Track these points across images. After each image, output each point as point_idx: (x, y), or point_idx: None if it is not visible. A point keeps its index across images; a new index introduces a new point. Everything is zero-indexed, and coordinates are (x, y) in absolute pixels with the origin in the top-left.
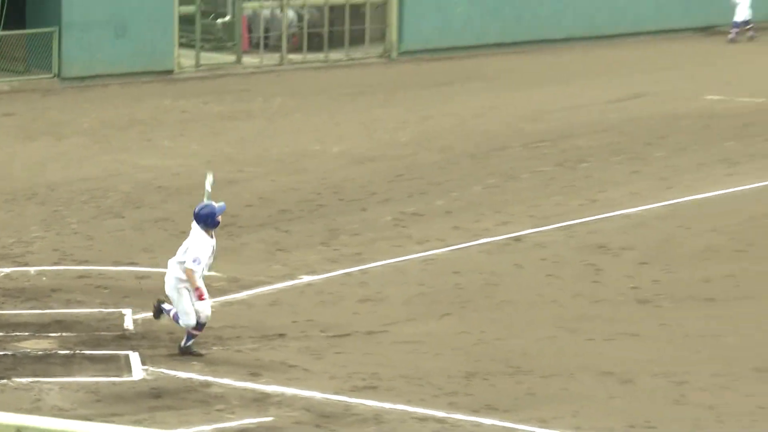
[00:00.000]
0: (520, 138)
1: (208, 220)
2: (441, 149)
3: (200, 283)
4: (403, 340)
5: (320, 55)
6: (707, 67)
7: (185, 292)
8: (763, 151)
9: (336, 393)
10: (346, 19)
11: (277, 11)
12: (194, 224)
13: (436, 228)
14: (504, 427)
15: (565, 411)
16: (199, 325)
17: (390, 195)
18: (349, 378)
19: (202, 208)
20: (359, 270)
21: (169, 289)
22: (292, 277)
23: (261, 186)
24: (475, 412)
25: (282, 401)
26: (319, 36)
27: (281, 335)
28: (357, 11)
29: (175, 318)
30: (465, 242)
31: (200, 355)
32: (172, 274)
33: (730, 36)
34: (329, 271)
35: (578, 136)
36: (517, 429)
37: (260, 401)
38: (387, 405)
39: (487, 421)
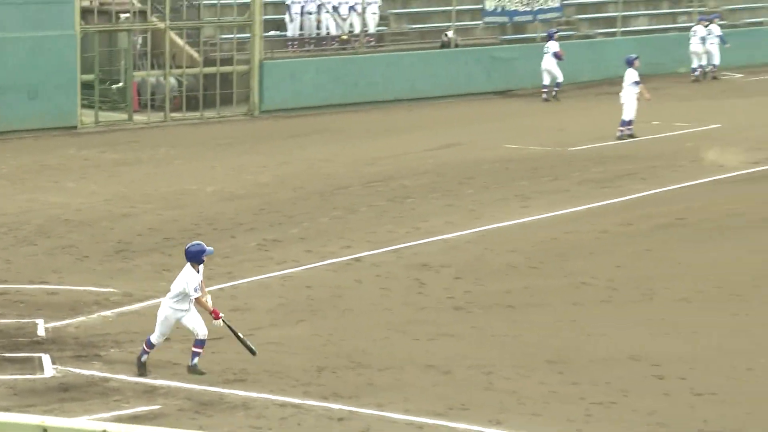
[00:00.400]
0: (358, 179)
1: (194, 257)
2: (295, 188)
3: (209, 306)
4: (267, 341)
5: (197, 114)
6: (505, 123)
7: (172, 321)
8: (549, 189)
9: (212, 385)
10: (217, 84)
11: (161, 78)
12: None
13: (292, 251)
14: (348, 410)
15: (397, 397)
16: (199, 342)
17: (254, 225)
18: (222, 372)
19: (192, 246)
20: (230, 285)
21: (159, 313)
22: None
23: (149, 219)
24: (324, 398)
25: (168, 392)
26: (195, 98)
27: (167, 339)
28: (226, 78)
29: (148, 344)
30: (315, 262)
31: (202, 373)
32: (166, 304)
33: (553, 93)
34: (205, 286)
35: (404, 177)
36: (359, 412)
37: (150, 393)
38: (253, 394)
39: (335, 406)
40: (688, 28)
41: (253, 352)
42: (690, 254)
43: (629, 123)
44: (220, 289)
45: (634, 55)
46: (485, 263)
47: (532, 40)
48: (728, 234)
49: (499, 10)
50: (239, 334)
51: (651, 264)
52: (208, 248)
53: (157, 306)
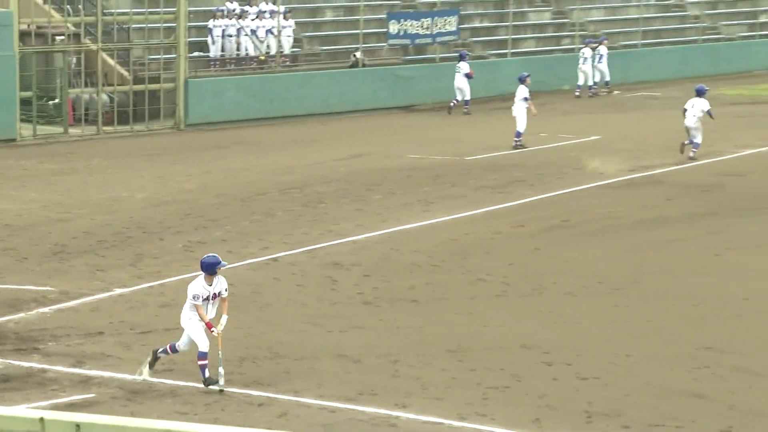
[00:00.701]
0: (275, 186)
1: (208, 269)
2: (217, 195)
3: (205, 318)
4: None
5: (127, 127)
6: (408, 135)
7: (194, 322)
8: (449, 194)
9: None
10: (145, 100)
11: (94, 95)
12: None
13: (216, 252)
14: (267, 396)
15: (312, 383)
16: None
17: (181, 228)
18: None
19: (207, 257)
20: (159, 284)
21: (183, 320)
22: (108, 289)
23: (84, 223)
24: (246, 386)
25: (101, 382)
26: (126, 113)
27: (100, 333)
28: (154, 94)
29: (172, 348)
30: (237, 262)
31: (216, 382)
32: (185, 312)
33: (465, 110)
34: (136, 285)
35: (317, 184)
36: (277, 398)
37: (85, 382)
38: (181, 383)
39: (255, 392)
40: (571, 50)
41: (218, 386)
42: (575, 252)
43: (520, 135)
44: (150, 286)
45: (526, 73)
46: (391, 262)
47: (432, 60)
48: (608, 234)
49: (402, 33)
50: (220, 368)
51: (540, 261)
52: (223, 262)
53: (92, 303)
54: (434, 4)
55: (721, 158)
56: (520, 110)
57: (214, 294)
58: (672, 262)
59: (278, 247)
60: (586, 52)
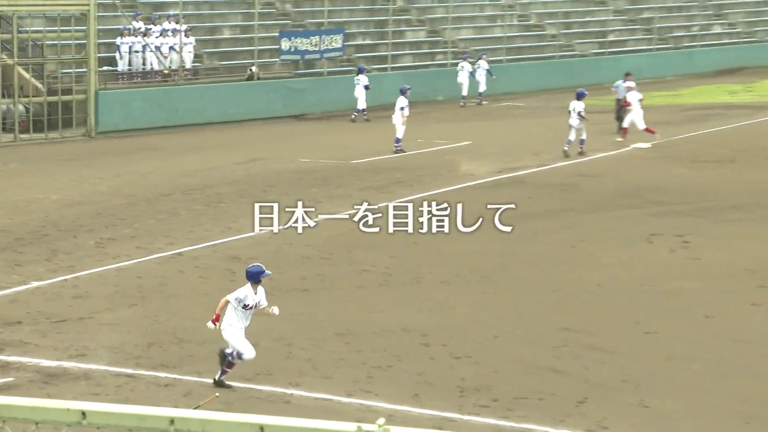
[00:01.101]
0: (179, 188)
1: (253, 277)
2: (126, 196)
3: (219, 312)
4: (105, 323)
5: (42, 135)
6: (299, 141)
7: (239, 332)
8: (336, 194)
9: (57, 360)
10: (59, 110)
11: (11, 105)
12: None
13: (125, 248)
14: (173, 378)
15: (213, 366)
16: (229, 363)
17: (93, 227)
18: (66, 349)
19: (252, 267)
20: (73, 277)
21: (226, 335)
22: (26, 283)
23: (2, 222)
24: (153, 368)
25: (20, 367)
26: (41, 122)
27: (19, 322)
28: (66, 105)
29: (239, 356)
30: (145, 257)
31: (230, 387)
32: (227, 322)
33: (352, 117)
34: (52, 278)
35: (218, 185)
36: (182, 379)
37: (4, 368)
38: (93, 366)
39: (162, 374)
40: (444, 65)
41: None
42: (449, 245)
43: (399, 140)
44: (64, 280)
45: (407, 86)
46: (285, 255)
47: (320, 74)
48: (478, 229)
49: (293, 49)
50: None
51: (418, 254)
52: (267, 271)
53: (10, 295)
54: (321, 23)
55: (576, 161)
56: (398, 119)
57: (256, 303)
58: (534, 253)
59: (182, 242)
60: (466, 66)
